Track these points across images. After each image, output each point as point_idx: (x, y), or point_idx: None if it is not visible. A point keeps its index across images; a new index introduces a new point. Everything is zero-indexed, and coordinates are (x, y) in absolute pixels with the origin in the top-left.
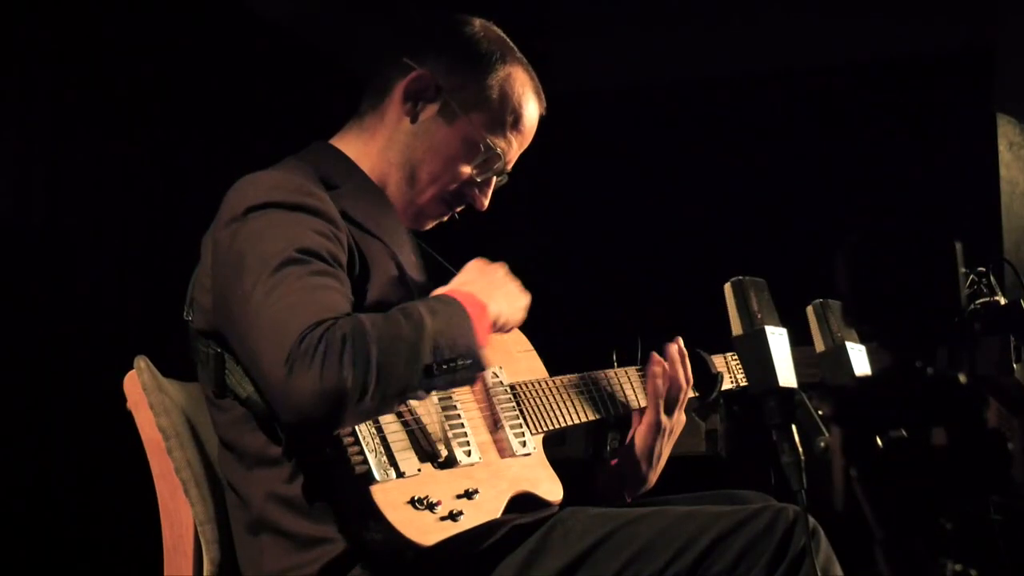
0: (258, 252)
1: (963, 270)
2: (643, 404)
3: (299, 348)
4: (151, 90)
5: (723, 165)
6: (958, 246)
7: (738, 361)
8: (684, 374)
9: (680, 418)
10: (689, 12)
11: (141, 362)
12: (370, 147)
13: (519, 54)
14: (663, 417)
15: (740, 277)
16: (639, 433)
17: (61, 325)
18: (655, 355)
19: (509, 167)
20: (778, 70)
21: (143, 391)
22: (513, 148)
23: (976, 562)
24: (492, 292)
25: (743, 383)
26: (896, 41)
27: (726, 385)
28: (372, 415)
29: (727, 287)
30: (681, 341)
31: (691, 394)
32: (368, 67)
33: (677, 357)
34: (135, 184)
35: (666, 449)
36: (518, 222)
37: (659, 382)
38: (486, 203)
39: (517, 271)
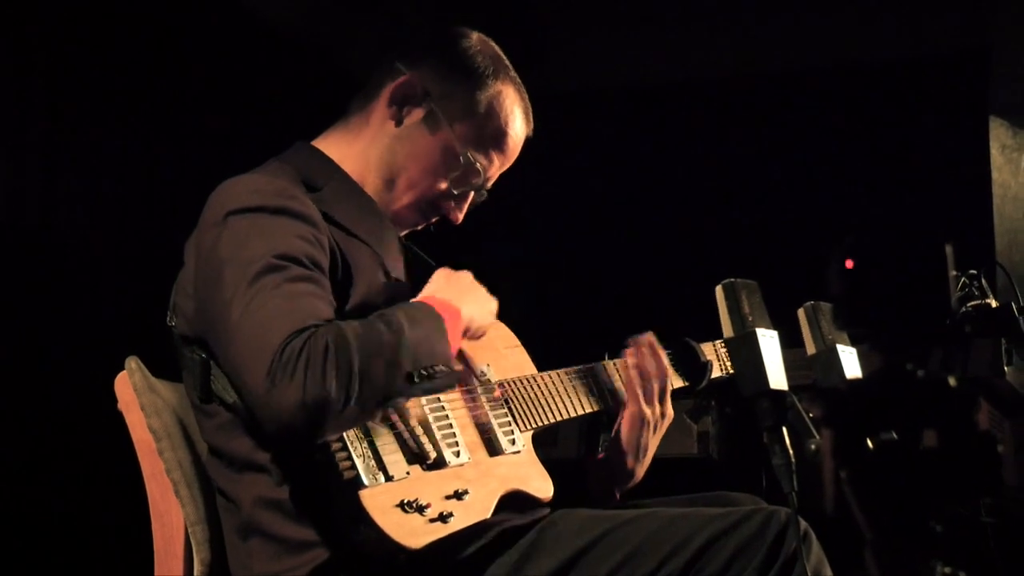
0: (238, 259)
1: (954, 273)
2: None
3: (280, 359)
4: (145, 91)
5: (716, 166)
6: (949, 249)
7: (727, 350)
8: (658, 364)
9: (667, 411)
10: (687, 13)
11: (132, 363)
12: (353, 148)
13: (513, 73)
14: (644, 408)
15: (732, 279)
16: (623, 425)
17: (53, 325)
18: (629, 347)
19: (489, 184)
20: (772, 72)
21: (134, 392)
22: (494, 166)
23: (966, 564)
24: (463, 297)
25: (731, 371)
26: (890, 44)
27: (715, 373)
28: (354, 424)
29: (719, 289)
30: (652, 335)
31: (678, 383)
32: (364, 71)
33: (647, 348)
34: (129, 184)
35: (653, 442)
36: (513, 221)
37: (632, 372)
38: (461, 217)
39: (481, 276)
